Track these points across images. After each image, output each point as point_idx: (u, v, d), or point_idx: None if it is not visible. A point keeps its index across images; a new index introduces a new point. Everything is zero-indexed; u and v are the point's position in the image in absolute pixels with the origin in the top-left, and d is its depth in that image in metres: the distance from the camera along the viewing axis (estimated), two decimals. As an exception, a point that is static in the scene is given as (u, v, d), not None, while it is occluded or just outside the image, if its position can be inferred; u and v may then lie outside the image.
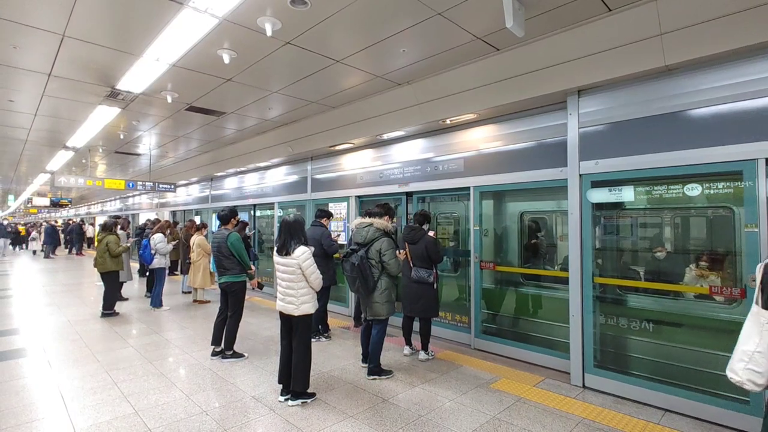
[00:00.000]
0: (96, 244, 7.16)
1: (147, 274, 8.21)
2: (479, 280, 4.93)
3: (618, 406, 3.45)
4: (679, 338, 3.51)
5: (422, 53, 4.20)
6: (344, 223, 6.83)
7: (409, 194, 5.90)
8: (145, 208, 16.30)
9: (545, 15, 3.45)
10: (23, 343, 5.13)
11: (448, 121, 5.08)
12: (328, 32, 3.75)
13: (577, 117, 3.94)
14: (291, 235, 3.44)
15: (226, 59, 4.17)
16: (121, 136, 8.06)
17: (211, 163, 9.97)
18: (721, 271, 3.31)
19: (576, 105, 3.95)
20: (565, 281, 4.04)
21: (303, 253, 3.37)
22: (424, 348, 4.61)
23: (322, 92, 5.42)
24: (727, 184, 3.22)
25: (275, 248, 3.53)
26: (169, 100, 5.56)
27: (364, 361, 4.31)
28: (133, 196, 17.79)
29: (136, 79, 4.89)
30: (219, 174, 10.40)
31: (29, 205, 24.21)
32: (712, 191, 3.30)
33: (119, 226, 7.31)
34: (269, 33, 3.58)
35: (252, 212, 10.08)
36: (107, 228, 6.79)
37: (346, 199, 6.80)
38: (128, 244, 7.59)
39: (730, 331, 3.25)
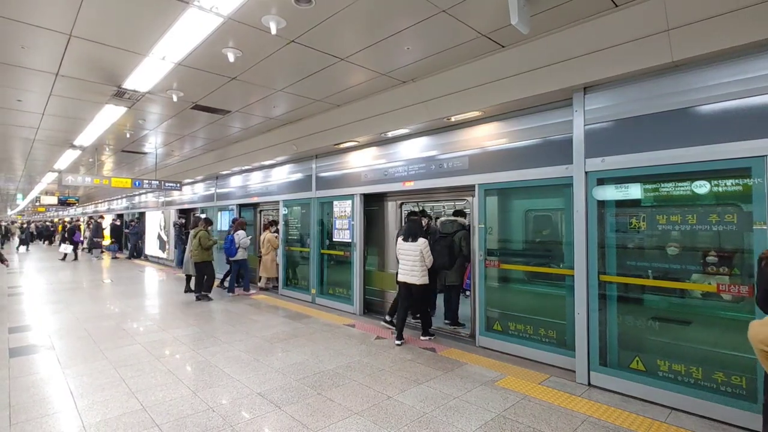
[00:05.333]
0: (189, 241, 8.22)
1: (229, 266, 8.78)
2: (483, 277, 4.93)
3: (624, 405, 3.44)
4: (686, 336, 3.49)
5: (427, 51, 4.19)
6: (349, 221, 6.82)
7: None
8: (151, 207, 16.41)
9: (550, 11, 3.43)
10: (34, 339, 5.21)
11: (452, 119, 5.06)
12: (332, 30, 3.75)
13: (582, 114, 3.92)
14: (414, 228, 5.11)
15: (231, 58, 4.19)
16: (128, 135, 8.11)
17: (216, 162, 10.01)
18: (728, 269, 3.27)
19: (582, 102, 3.92)
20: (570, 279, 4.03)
21: (424, 241, 4.98)
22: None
23: (326, 90, 5.42)
24: (736, 181, 3.18)
25: (400, 237, 5.19)
26: (175, 99, 5.59)
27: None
28: (140, 194, 17.92)
29: (142, 78, 4.92)
30: (224, 172, 10.44)
31: (37, 204, 24.47)
32: (720, 188, 3.27)
33: (209, 224, 8.28)
34: (274, 31, 3.59)
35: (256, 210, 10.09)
36: (198, 224, 8.04)
37: (350, 197, 6.79)
38: (216, 238, 8.65)
39: (736, 329, 3.23)
